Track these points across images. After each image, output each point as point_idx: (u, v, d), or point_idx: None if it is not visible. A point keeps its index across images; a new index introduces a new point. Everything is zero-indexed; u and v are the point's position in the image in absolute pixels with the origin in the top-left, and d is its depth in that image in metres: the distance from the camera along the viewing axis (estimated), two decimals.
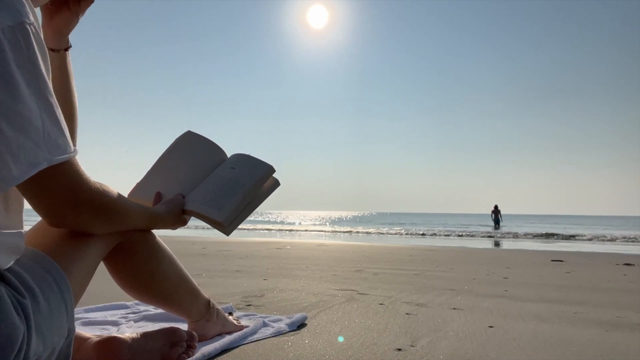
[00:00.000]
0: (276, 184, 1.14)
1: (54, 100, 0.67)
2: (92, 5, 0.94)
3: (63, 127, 0.68)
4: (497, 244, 9.30)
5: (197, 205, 1.05)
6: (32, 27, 0.62)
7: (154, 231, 1.08)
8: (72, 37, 0.91)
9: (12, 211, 0.70)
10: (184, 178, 1.11)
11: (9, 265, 0.68)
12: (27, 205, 0.75)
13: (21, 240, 0.71)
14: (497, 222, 20.28)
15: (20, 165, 0.62)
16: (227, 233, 1.05)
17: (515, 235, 12.96)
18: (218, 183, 1.08)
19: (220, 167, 1.13)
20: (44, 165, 0.65)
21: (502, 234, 13.90)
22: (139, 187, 1.12)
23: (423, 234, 13.62)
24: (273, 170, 1.11)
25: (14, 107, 0.60)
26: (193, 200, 1.06)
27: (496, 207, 20.45)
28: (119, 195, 0.85)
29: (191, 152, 1.15)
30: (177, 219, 1.04)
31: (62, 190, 0.71)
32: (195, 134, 1.16)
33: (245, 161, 1.12)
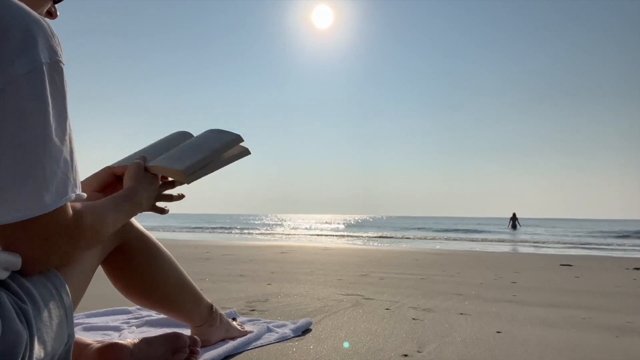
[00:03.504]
0: (246, 152, 1.12)
1: (73, 141, 0.69)
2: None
3: (77, 168, 0.69)
4: (505, 248, 9.23)
5: (158, 160, 1.00)
6: (63, 66, 0.66)
7: (153, 233, 1.07)
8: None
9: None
10: (147, 152, 1.07)
11: (5, 278, 0.67)
12: None
13: (17, 257, 0.69)
14: (514, 227, 22.88)
15: (51, 194, 0.63)
16: (188, 182, 1.00)
17: (525, 240, 12.84)
18: (182, 147, 1.06)
19: (188, 140, 1.12)
20: (72, 198, 0.65)
21: (513, 238, 13.83)
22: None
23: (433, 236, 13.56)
24: (240, 139, 1.09)
25: (50, 136, 0.63)
26: (153, 159, 1.02)
27: (514, 214, 23.65)
28: (91, 212, 0.75)
29: (168, 138, 1.14)
30: (144, 180, 0.94)
31: (46, 232, 0.66)
32: (177, 131, 1.17)
33: (213, 131, 1.12)
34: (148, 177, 0.96)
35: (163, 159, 1.01)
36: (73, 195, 0.67)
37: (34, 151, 0.62)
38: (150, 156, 1.06)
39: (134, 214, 0.91)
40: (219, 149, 1.06)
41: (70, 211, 0.69)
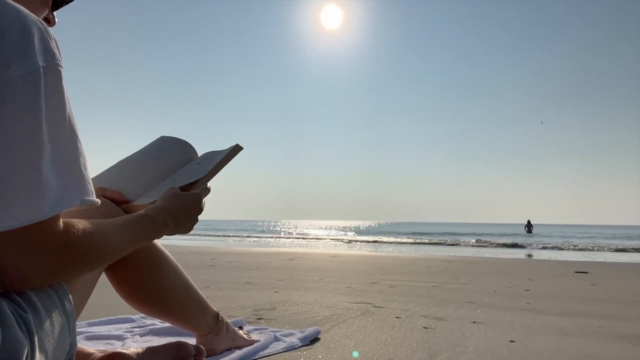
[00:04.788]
0: (238, 148, 1.09)
1: (80, 144, 0.66)
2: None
3: (83, 174, 0.65)
4: (519, 254, 9.10)
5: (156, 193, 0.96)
6: (62, 70, 0.65)
7: (158, 240, 1.05)
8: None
9: None
10: (146, 175, 1.03)
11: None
12: None
13: None
14: (529, 233, 26.14)
15: (48, 200, 0.60)
16: None
17: (540, 247, 12.63)
18: (180, 180, 1.01)
19: (187, 165, 1.09)
20: (76, 204, 0.61)
21: (527, 245, 13.64)
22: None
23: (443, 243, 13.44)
24: (239, 148, 1.06)
25: (42, 140, 0.60)
26: (153, 179, 1.00)
27: (529, 221, 27.75)
28: (91, 228, 0.68)
29: (160, 152, 1.10)
30: (173, 199, 0.86)
31: (34, 245, 0.61)
32: (168, 137, 1.14)
33: (211, 156, 1.09)
34: (181, 196, 0.88)
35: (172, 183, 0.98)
36: (77, 201, 0.63)
37: (27, 155, 0.60)
38: (144, 171, 1.02)
39: (155, 235, 0.82)
40: (224, 162, 1.03)
41: (62, 225, 0.64)
